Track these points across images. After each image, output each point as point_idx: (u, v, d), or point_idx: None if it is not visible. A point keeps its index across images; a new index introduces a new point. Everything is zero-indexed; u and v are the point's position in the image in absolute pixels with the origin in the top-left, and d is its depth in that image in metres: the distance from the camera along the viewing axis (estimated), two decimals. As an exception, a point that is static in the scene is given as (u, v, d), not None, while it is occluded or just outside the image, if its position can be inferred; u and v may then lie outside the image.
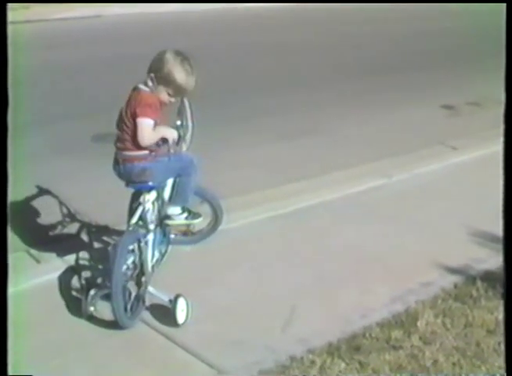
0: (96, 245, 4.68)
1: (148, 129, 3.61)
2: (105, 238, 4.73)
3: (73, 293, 4.04)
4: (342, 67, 10.34)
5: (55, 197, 4.99)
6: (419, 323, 3.73)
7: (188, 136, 3.97)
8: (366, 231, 4.93)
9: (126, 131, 3.66)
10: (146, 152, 3.70)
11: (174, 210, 3.99)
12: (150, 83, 3.65)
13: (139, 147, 3.66)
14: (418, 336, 3.64)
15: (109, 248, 4.12)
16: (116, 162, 3.77)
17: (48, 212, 4.97)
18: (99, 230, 4.83)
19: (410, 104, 8.26)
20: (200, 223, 4.32)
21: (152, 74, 3.63)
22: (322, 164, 6.19)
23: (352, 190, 5.63)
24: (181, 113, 3.95)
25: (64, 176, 5.69)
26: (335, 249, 4.66)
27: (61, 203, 4.92)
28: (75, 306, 3.84)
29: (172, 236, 4.25)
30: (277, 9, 15.30)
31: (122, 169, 3.75)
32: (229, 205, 4.98)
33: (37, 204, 5.08)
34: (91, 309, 3.73)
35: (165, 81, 3.63)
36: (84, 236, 4.79)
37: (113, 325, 3.65)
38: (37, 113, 7.47)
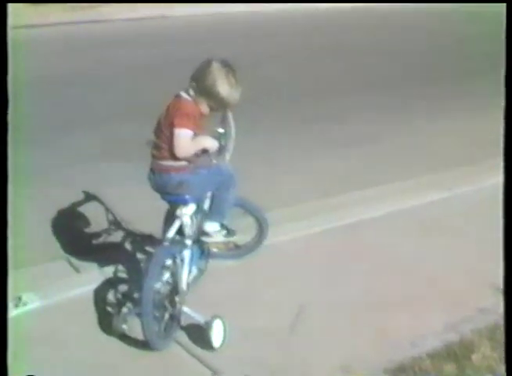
0: (139, 256, 4.51)
1: (185, 141, 3.40)
2: (148, 248, 4.54)
3: (108, 308, 3.88)
4: (407, 71, 9.97)
5: (102, 203, 4.84)
6: (474, 357, 3.42)
7: (230, 146, 3.77)
8: (423, 248, 4.63)
9: (163, 139, 3.47)
10: (185, 163, 3.50)
11: (212, 226, 3.79)
12: (192, 92, 3.46)
13: (177, 157, 3.47)
14: (472, 371, 3.33)
15: (142, 264, 3.95)
16: (151, 171, 3.59)
17: (94, 219, 4.83)
18: (144, 240, 4.63)
19: (474, 112, 7.82)
20: (239, 238, 4.13)
21: (194, 83, 3.43)
22: (379, 175, 5.88)
23: (409, 204, 5.30)
24: (223, 121, 3.75)
25: (113, 180, 5.58)
26: (387, 268, 4.38)
27: (107, 209, 4.76)
28: (108, 322, 3.66)
29: (215, 250, 4.05)
30: (340, 10, 14.95)
31: (158, 179, 3.56)
32: (278, 217, 4.77)
33: (83, 209, 4.93)
34: (124, 326, 3.55)
35: (207, 93, 3.42)
36: (128, 246, 4.64)
37: (146, 345, 3.46)
38: (91, 113, 7.42)
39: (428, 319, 3.81)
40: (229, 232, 3.86)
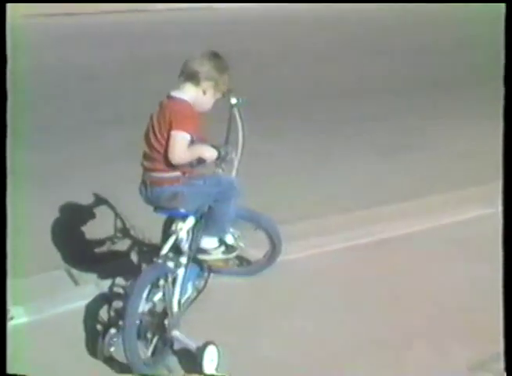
0: (144, 268, 4.16)
1: (182, 145, 3.04)
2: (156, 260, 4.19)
3: (98, 326, 3.55)
4: (454, 73, 9.32)
5: (113, 207, 4.52)
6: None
7: (238, 152, 3.42)
8: (455, 273, 4.16)
9: (156, 147, 3.13)
10: (178, 173, 3.16)
11: (209, 242, 3.43)
12: (183, 89, 3.14)
13: (170, 167, 3.12)
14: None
15: (128, 283, 3.61)
16: (143, 184, 3.26)
17: (102, 224, 4.48)
18: (151, 250, 4.27)
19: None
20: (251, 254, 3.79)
21: (182, 77, 3.13)
22: (418, 186, 5.41)
23: (447, 221, 4.81)
24: (228, 127, 3.40)
25: (129, 183, 5.22)
26: (412, 293, 3.94)
27: (117, 214, 4.44)
28: (95, 344, 3.33)
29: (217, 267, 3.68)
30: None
31: (149, 193, 3.23)
32: (294, 231, 4.38)
33: (90, 214, 4.54)
34: (111, 349, 3.22)
35: (193, 78, 3.12)
36: (133, 257, 4.30)
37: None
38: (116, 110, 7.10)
39: (452, 357, 3.36)
40: (229, 248, 3.50)
